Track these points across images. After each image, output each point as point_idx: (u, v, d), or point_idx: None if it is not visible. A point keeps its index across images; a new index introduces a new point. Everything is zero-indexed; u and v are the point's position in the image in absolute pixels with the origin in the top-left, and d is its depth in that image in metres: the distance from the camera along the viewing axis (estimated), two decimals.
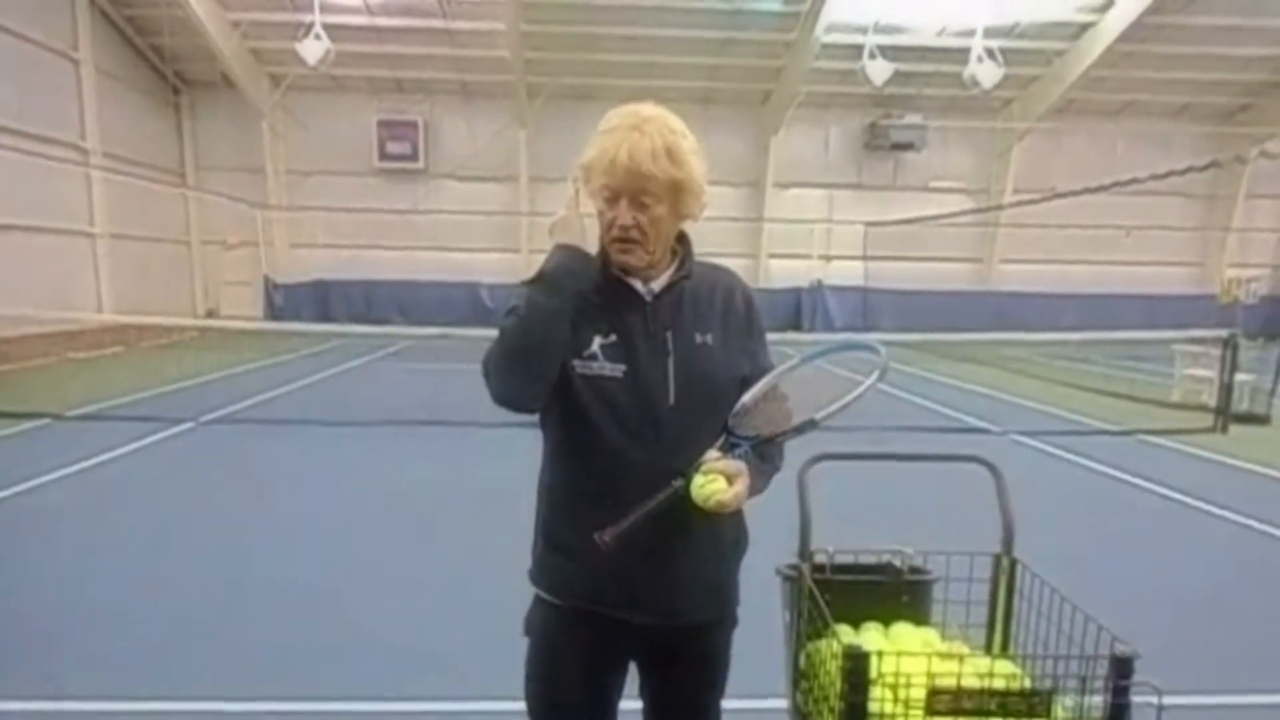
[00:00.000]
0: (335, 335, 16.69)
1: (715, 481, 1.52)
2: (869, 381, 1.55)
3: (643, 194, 1.56)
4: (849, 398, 1.54)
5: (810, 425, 1.54)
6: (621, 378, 1.61)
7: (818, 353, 1.72)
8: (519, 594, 1.80)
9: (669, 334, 1.64)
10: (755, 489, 1.61)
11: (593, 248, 1.62)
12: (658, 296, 1.66)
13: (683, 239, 1.71)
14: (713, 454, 1.56)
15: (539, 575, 1.75)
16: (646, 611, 1.66)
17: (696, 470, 1.54)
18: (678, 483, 1.54)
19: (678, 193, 1.60)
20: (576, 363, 1.62)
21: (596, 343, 1.62)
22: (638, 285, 1.66)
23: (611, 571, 1.61)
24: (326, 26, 16.05)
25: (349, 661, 3.42)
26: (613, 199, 1.58)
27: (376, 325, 16.51)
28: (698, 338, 1.66)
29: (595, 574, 1.64)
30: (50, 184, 14.12)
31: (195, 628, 3.72)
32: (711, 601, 1.74)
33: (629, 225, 1.58)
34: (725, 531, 1.70)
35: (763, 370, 1.73)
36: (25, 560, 4.54)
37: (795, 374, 1.70)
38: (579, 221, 1.60)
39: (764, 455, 1.63)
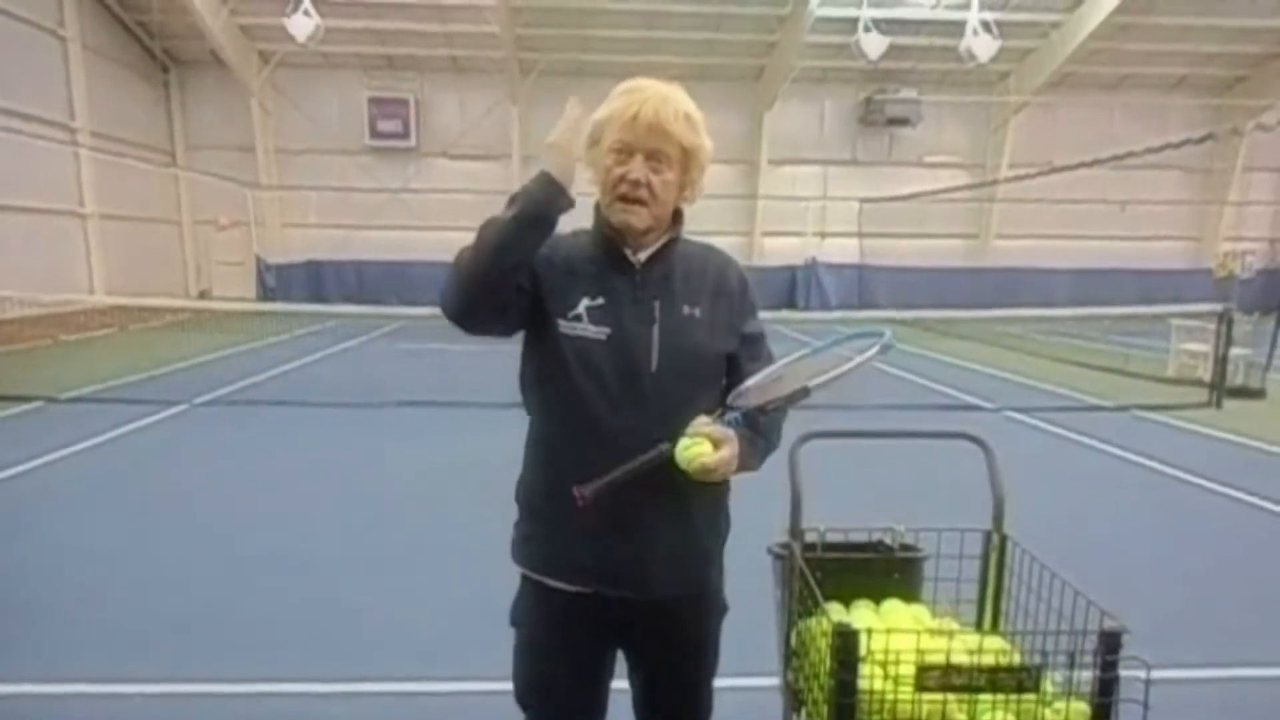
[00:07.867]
0: (328, 316, 16.61)
1: (700, 444, 1.49)
2: (867, 354, 1.55)
3: (659, 154, 1.57)
4: (845, 367, 1.53)
5: (803, 393, 1.52)
6: (605, 341, 1.60)
7: (827, 345, 1.73)
8: (508, 574, 1.78)
9: (656, 303, 1.63)
10: (747, 463, 1.59)
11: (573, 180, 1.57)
12: (646, 264, 1.65)
13: (678, 216, 1.69)
14: (702, 419, 1.54)
15: (518, 549, 1.74)
16: (617, 584, 1.64)
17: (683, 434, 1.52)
18: (664, 445, 1.51)
19: (688, 161, 1.61)
20: (561, 323, 1.61)
21: (583, 304, 1.61)
22: (628, 252, 1.64)
23: (583, 541, 1.61)
24: (316, 2, 15.85)
25: (336, 643, 3.43)
26: (627, 155, 1.57)
27: (369, 305, 16.43)
28: (685, 309, 1.64)
29: (568, 543, 1.63)
30: (39, 163, 13.99)
31: (187, 611, 3.72)
32: (684, 577, 1.70)
33: (641, 181, 1.56)
34: (699, 508, 1.68)
35: (753, 344, 1.73)
36: (19, 543, 4.52)
37: (802, 363, 1.71)
38: (572, 147, 1.55)
39: (757, 428, 1.61)
